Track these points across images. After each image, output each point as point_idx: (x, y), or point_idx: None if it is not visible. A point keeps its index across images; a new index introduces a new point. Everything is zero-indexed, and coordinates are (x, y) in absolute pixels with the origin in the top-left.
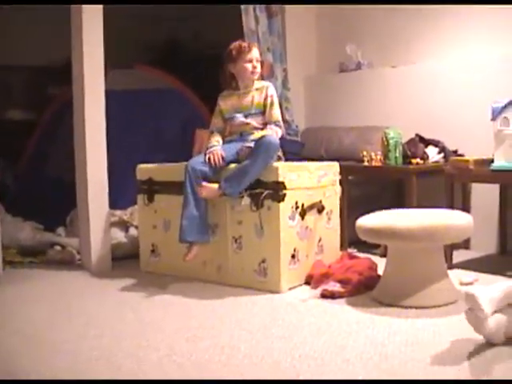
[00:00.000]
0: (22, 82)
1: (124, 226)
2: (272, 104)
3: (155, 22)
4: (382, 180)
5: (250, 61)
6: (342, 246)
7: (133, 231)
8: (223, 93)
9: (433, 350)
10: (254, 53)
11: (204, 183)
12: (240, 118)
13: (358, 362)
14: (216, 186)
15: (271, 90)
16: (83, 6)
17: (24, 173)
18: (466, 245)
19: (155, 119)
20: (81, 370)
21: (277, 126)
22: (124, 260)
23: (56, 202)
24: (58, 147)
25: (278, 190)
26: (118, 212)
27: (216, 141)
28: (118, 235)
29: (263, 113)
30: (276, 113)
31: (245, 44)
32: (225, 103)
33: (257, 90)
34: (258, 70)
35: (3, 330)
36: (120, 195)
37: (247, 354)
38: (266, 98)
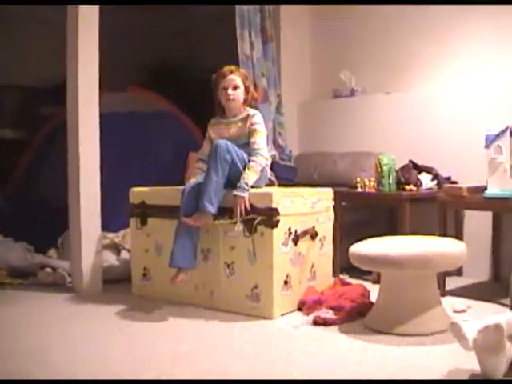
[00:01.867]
0: (13, 101)
1: (116, 248)
2: (254, 131)
3: (149, 46)
4: (376, 206)
5: (225, 88)
6: (335, 272)
7: (125, 254)
8: (212, 120)
9: (426, 377)
10: (229, 79)
11: (194, 215)
12: None
13: None
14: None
15: (256, 118)
16: (79, 26)
17: (15, 193)
18: (458, 271)
19: (148, 142)
20: None
21: (258, 154)
22: (115, 283)
23: (47, 223)
24: (50, 169)
25: (271, 216)
26: (110, 235)
27: (199, 171)
28: (110, 258)
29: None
30: (258, 141)
31: (224, 70)
32: (213, 131)
33: (241, 119)
34: (238, 97)
35: None
36: (112, 218)
37: (238, 379)
38: (249, 127)
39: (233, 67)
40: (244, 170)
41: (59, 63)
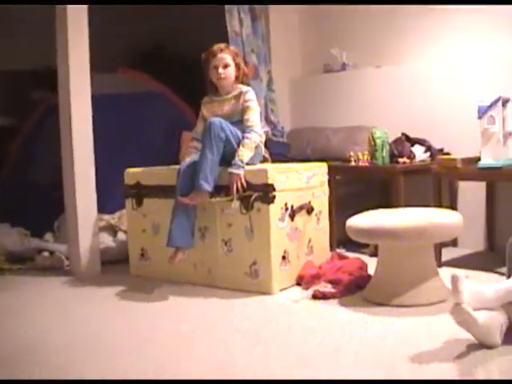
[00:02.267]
0: (2, 86)
1: (112, 230)
2: (247, 108)
3: (137, 25)
4: (370, 180)
5: (215, 67)
6: (331, 247)
7: (121, 235)
8: (205, 98)
9: (426, 348)
10: (220, 58)
11: (191, 194)
12: None
13: (353, 362)
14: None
15: (249, 94)
16: (68, 8)
17: (8, 178)
18: (453, 242)
19: (140, 123)
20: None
21: (252, 131)
22: (113, 264)
23: (42, 207)
24: (43, 152)
25: (267, 192)
26: (106, 216)
27: (194, 150)
28: (106, 240)
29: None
30: (251, 118)
31: (214, 49)
32: (207, 110)
33: (234, 97)
34: (229, 75)
35: None
36: (107, 199)
37: (241, 356)
38: (242, 104)
39: (222, 45)
40: (238, 147)
41: (50, 47)
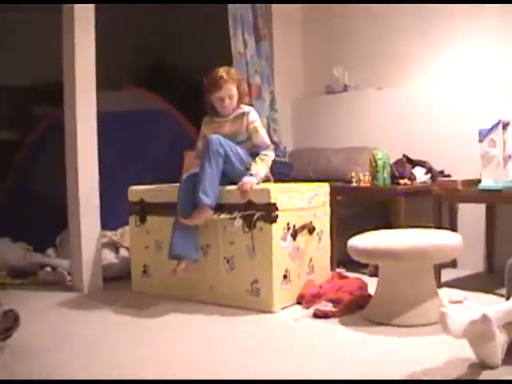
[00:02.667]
0: (5, 101)
1: (114, 246)
2: (255, 130)
3: (143, 44)
4: (370, 200)
5: (221, 99)
6: (332, 266)
7: (123, 252)
8: (205, 118)
9: (427, 367)
10: (224, 91)
11: (193, 214)
12: None
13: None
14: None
15: (252, 115)
16: (75, 25)
17: (11, 192)
18: (453, 263)
19: (144, 140)
20: None
21: (269, 149)
22: (115, 281)
23: (45, 222)
24: (46, 167)
25: (270, 212)
26: (109, 233)
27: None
28: (109, 256)
29: (248, 139)
30: (265, 138)
31: (217, 79)
32: (207, 129)
33: (236, 117)
34: (233, 103)
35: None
36: (110, 216)
37: (243, 372)
38: (247, 126)
39: (225, 75)
40: (242, 165)
41: (52, 62)
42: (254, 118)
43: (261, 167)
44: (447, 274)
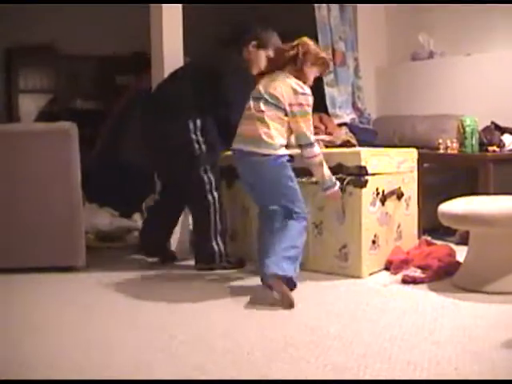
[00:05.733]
0: (89, 71)
1: None
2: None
3: (223, 15)
4: (457, 168)
5: (319, 73)
6: (418, 233)
7: None
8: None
9: None
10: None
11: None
12: None
13: (448, 345)
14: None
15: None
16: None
17: (98, 161)
18: None
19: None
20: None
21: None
22: None
23: (130, 189)
24: (133, 134)
25: (360, 176)
26: None
27: None
28: None
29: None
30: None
31: (328, 63)
32: None
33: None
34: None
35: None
36: None
37: (337, 336)
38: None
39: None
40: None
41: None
42: None
43: (321, 170)
44: None
